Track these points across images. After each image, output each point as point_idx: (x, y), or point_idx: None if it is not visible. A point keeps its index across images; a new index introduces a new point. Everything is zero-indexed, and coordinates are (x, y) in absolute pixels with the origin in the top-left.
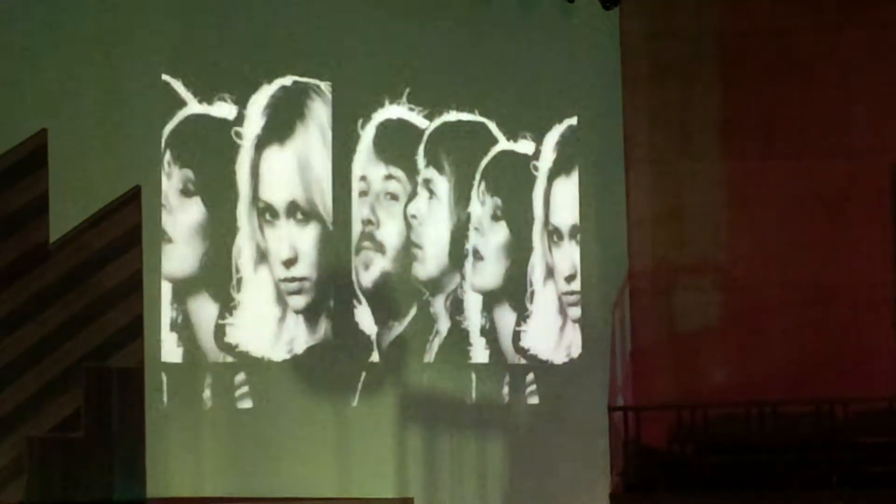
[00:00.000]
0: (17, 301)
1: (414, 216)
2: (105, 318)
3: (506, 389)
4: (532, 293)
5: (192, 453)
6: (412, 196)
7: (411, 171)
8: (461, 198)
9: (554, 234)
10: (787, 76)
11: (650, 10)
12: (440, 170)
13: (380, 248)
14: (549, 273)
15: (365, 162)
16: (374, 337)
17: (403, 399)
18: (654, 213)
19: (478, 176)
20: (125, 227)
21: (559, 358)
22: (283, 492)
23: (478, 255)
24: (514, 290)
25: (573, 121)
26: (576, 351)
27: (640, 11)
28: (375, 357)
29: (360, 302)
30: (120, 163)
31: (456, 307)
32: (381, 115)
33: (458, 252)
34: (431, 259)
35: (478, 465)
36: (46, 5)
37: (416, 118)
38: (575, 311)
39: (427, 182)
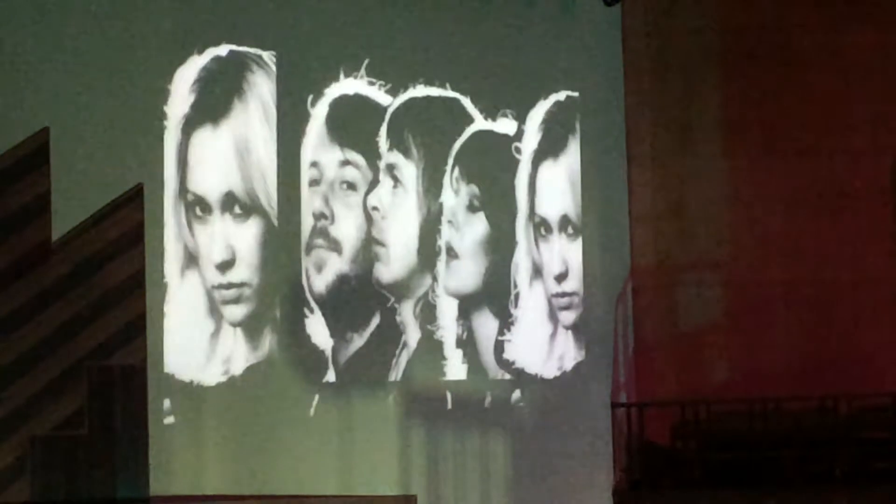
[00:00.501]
0: (19, 299)
1: (376, 208)
2: (107, 316)
3: (488, 406)
4: (517, 296)
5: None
6: (373, 184)
7: (372, 156)
8: (431, 186)
9: (541, 227)
10: (789, 74)
11: (652, 7)
12: (406, 153)
13: (335, 246)
14: (537, 272)
15: (316, 145)
16: (328, 352)
17: (364, 423)
18: (656, 210)
19: (451, 160)
20: (127, 225)
21: (550, 371)
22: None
23: (452, 253)
24: (495, 293)
25: (560, 96)
26: (569, 362)
27: (642, 8)
28: (331, 376)
29: (311, 311)
30: (122, 161)
31: (427, 315)
32: (335, 91)
33: (428, 250)
34: (397, 259)
35: (481, 461)
36: (48, 4)
37: (378, 94)
38: (567, 316)
39: (391, 168)
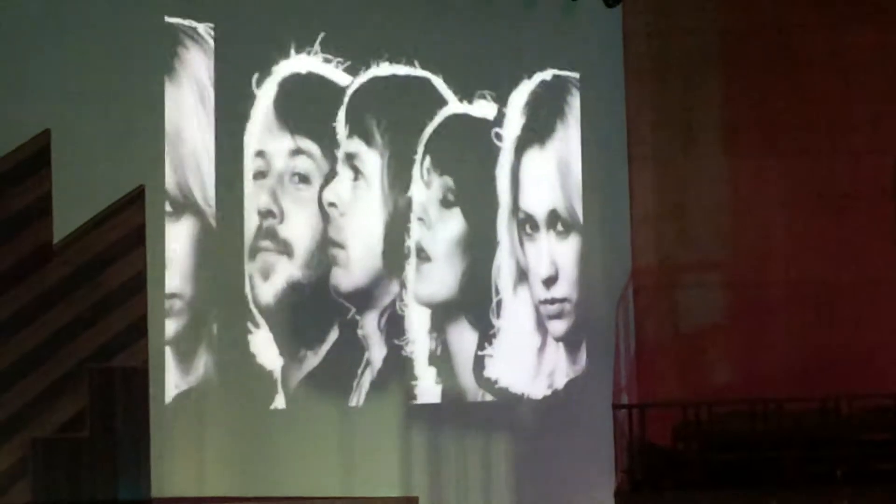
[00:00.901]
0: (21, 301)
1: (333, 204)
2: (109, 318)
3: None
4: (499, 304)
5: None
6: (330, 177)
7: (328, 144)
8: (398, 178)
9: (526, 224)
10: (791, 74)
11: (653, 7)
12: (368, 141)
13: (285, 249)
14: (522, 276)
15: (263, 132)
16: (278, 374)
17: (318, 459)
18: (657, 210)
19: (420, 149)
20: (129, 227)
21: (538, 390)
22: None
23: (423, 256)
24: (474, 301)
25: (546, 75)
26: (561, 379)
27: (643, 9)
28: (280, 402)
29: (256, 326)
30: (123, 163)
31: (394, 328)
32: (284, 69)
33: (395, 252)
34: (358, 263)
35: (483, 463)
36: (50, 5)
37: (335, 72)
38: (557, 326)
39: (350, 158)
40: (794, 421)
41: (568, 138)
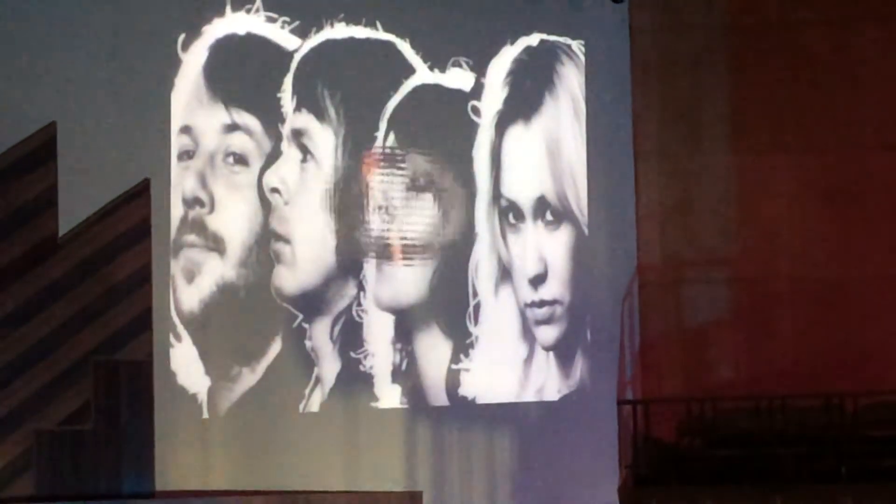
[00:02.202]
0: (26, 294)
1: (276, 190)
2: (114, 311)
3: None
4: (477, 308)
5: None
6: (272, 158)
7: (271, 118)
8: (356, 160)
9: (509, 213)
10: (797, 70)
11: (660, 3)
12: (320, 115)
13: (215, 244)
14: (505, 274)
15: (190, 103)
16: (204, 396)
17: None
18: (663, 206)
19: (383, 125)
20: (134, 220)
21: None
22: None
23: (385, 252)
24: (447, 305)
25: (532, 40)
26: (551, 394)
27: (650, 4)
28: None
29: (178, 338)
30: (129, 155)
31: (350, 338)
32: (217, 29)
33: (351, 248)
34: (307, 261)
35: (486, 458)
36: None
37: (280, 34)
38: (547, 333)
39: (298, 135)
40: (799, 417)
41: (559, 115)
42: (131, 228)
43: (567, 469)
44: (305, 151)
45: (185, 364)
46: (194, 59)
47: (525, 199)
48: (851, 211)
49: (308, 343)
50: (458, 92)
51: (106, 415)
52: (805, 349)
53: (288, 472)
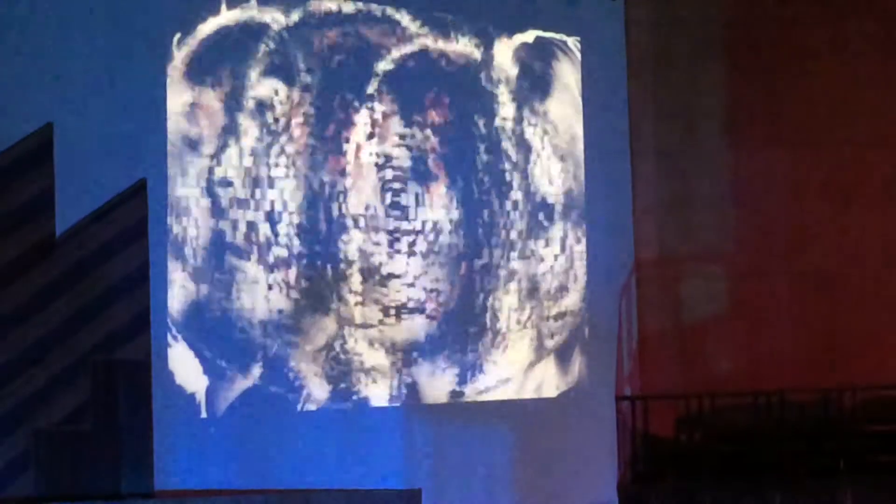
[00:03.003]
0: (23, 294)
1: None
2: (112, 310)
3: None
4: (493, 324)
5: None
6: (222, 144)
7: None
8: (334, 140)
9: (539, 212)
10: (793, 65)
11: None
12: (289, 81)
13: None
14: (523, 282)
15: (186, 101)
16: (202, 395)
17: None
18: (660, 201)
19: (373, 84)
20: (131, 220)
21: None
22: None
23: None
24: (447, 305)
25: (527, 37)
26: (549, 389)
27: (645, 0)
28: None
29: (176, 338)
30: (125, 156)
31: (350, 336)
32: (210, 26)
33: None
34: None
35: (485, 456)
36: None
37: (274, 15)
38: (555, 339)
39: (261, 108)
40: (797, 412)
41: (556, 111)
42: (128, 228)
43: (566, 465)
44: (265, 128)
45: (183, 363)
46: (189, 57)
47: (552, 194)
48: (848, 206)
49: (307, 341)
50: (468, 60)
51: (104, 414)
52: (802, 344)
53: (286, 470)
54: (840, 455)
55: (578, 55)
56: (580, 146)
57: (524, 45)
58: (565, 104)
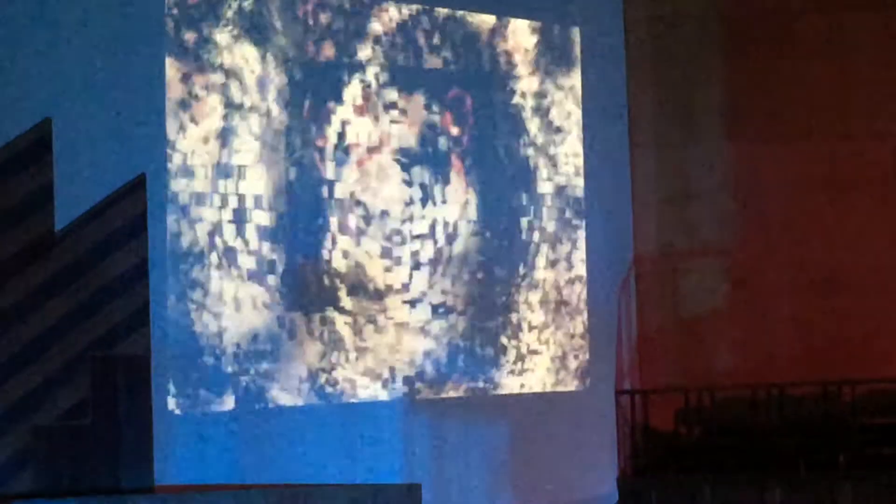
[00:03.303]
0: (23, 290)
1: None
2: (111, 306)
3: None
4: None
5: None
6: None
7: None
8: (317, 119)
9: (560, 204)
10: (792, 60)
11: None
12: (259, 43)
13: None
14: (546, 275)
15: (185, 95)
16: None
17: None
18: (659, 196)
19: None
20: (131, 215)
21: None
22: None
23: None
24: (450, 305)
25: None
26: (548, 384)
27: None
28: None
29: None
30: (124, 151)
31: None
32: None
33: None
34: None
35: (485, 450)
36: None
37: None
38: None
39: (230, 76)
40: (796, 406)
41: (555, 106)
42: (128, 224)
43: (566, 459)
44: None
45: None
46: (188, 53)
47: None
48: (847, 200)
49: (308, 335)
50: (479, 25)
51: (104, 410)
52: (801, 338)
53: (286, 465)
54: (839, 449)
55: (577, 48)
56: (579, 140)
57: (529, 25)
58: (562, 98)
